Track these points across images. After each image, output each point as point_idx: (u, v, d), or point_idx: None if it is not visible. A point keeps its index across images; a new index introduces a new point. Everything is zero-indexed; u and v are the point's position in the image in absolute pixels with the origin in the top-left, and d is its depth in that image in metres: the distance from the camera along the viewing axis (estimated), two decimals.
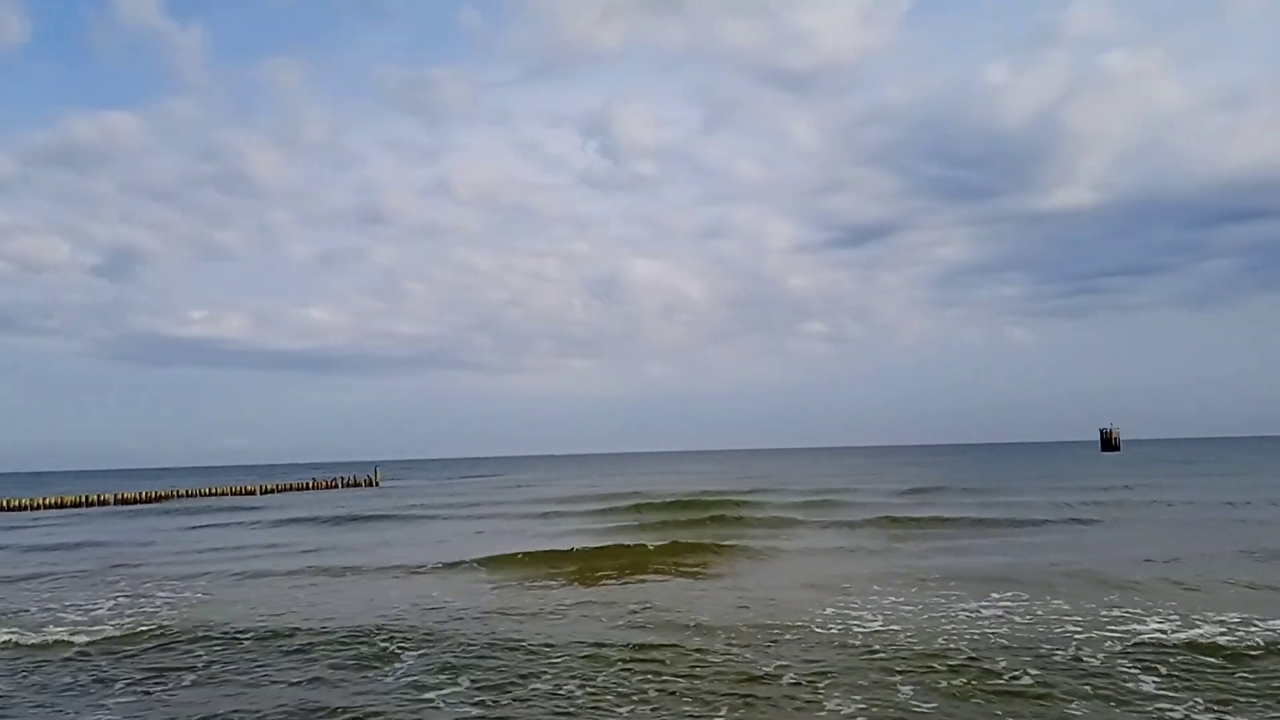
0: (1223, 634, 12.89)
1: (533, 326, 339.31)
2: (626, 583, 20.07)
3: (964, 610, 15.38)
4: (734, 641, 13.55)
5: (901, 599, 16.62)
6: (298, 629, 15.29)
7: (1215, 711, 9.72)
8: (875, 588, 17.95)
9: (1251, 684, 10.65)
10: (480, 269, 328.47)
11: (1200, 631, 13.13)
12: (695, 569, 21.72)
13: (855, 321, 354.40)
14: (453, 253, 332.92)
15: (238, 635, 14.94)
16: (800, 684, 11.17)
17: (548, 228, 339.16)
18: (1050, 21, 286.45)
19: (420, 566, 23.38)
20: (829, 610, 15.63)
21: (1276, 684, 10.59)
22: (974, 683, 11.03)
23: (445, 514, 44.81)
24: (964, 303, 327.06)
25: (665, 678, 11.64)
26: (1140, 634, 13.13)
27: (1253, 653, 11.91)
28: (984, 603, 15.96)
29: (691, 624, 14.92)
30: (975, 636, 13.35)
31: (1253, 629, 13.15)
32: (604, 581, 20.34)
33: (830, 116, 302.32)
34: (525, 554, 24.59)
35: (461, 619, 16.02)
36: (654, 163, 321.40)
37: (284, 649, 13.95)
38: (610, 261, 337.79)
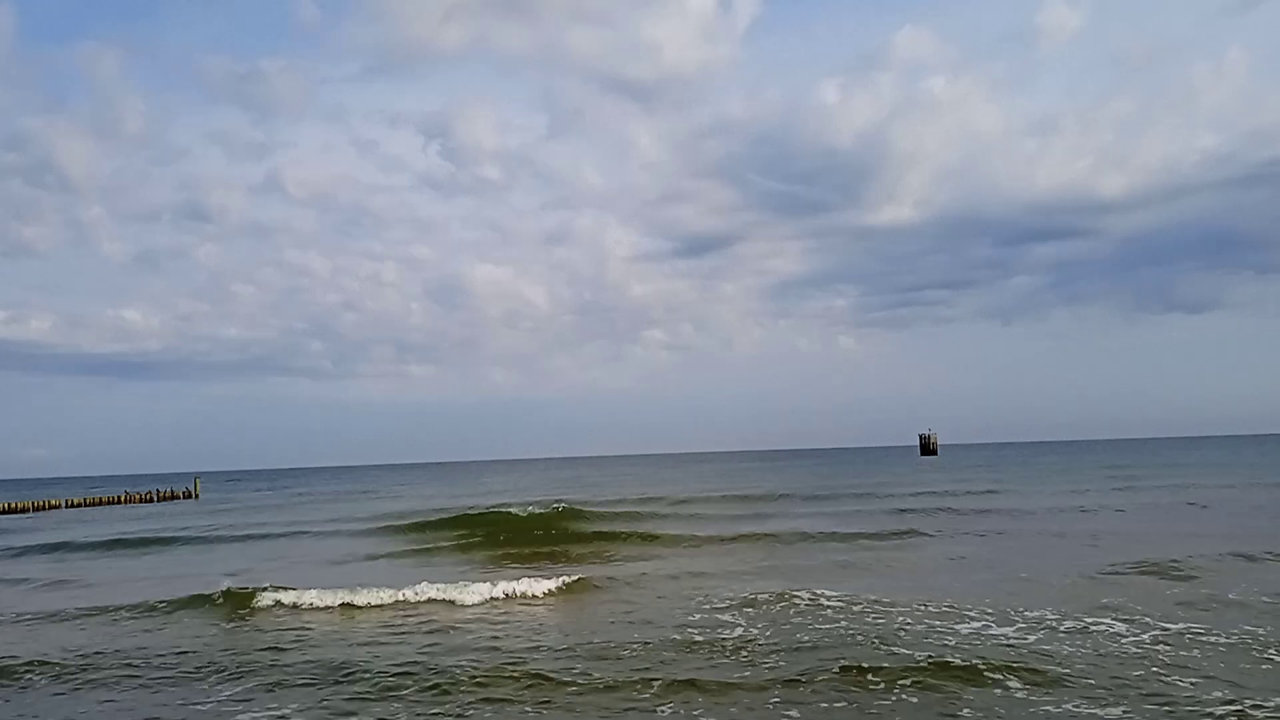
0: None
1: (369, 331, 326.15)
2: (405, 617, 18.13)
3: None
4: None
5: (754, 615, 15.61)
6: None
7: None
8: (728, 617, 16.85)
9: None
10: (314, 271, 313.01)
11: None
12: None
13: (695, 330, 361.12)
14: (284, 254, 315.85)
15: None
16: None
17: (386, 230, 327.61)
18: (879, 46, 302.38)
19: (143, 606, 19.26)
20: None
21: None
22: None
23: (250, 531, 40.84)
24: (797, 313, 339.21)
25: None
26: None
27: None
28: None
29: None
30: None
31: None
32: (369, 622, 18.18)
33: (673, 128, 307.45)
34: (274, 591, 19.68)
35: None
36: (497, 167, 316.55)
37: None
38: (451, 266, 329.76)
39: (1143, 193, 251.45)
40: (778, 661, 12.27)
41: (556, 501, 40.24)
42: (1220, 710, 9.55)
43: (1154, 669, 11.26)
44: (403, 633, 15.45)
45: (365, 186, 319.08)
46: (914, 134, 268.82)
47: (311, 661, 13.46)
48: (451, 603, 18.20)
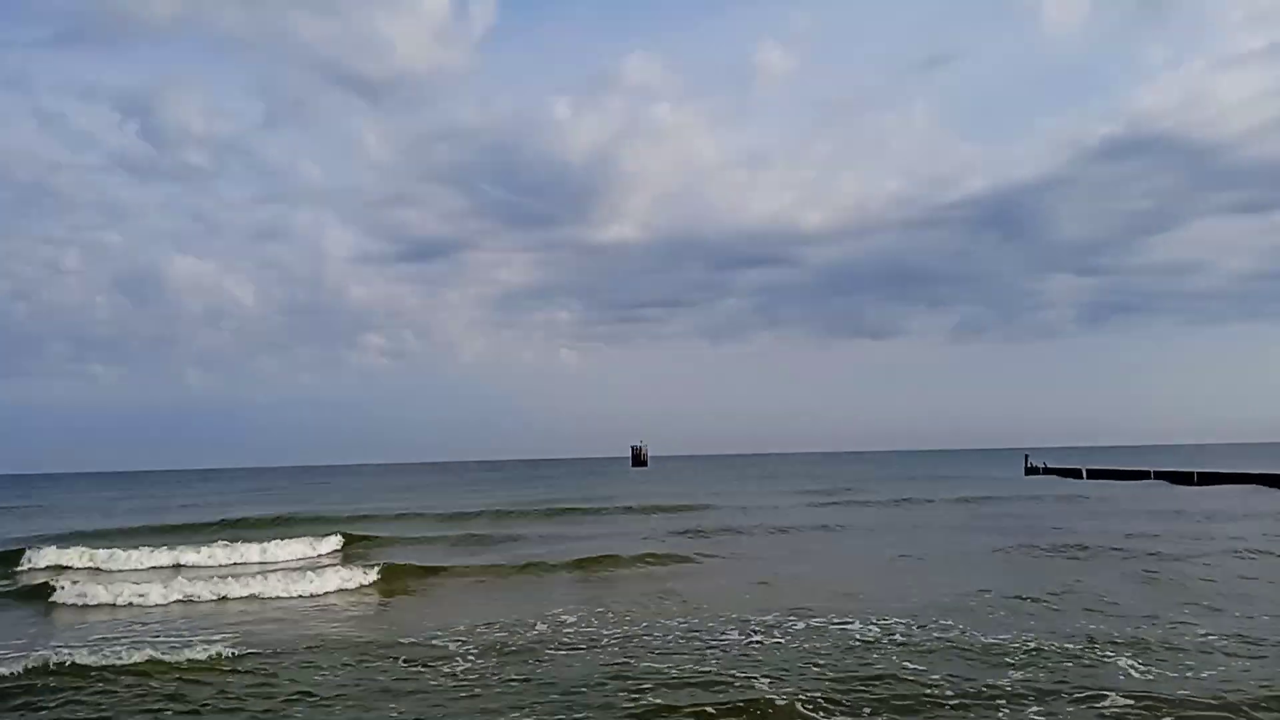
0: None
1: (43, 325, 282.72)
2: None
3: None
4: None
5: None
6: None
7: None
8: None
9: None
10: None
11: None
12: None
13: (417, 337, 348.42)
14: None
15: None
16: None
17: (71, 213, 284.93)
18: (610, 69, 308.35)
19: None
20: None
21: None
22: None
23: None
24: (521, 324, 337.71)
25: None
26: None
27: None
28: None
29: None
30: None
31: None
32: None
33: (401, 129, 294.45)
34: None
35: None
36: (205, 153, 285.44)
37: None
38: (147, 256, 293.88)
39: (838, 228, 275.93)
40: None
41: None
42: None
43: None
44: None
45: (47, 163, 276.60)
46: (639, 157, 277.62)
47: None
48: None
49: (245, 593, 18.72)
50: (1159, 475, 67.39)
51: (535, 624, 14.37)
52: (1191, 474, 64.07)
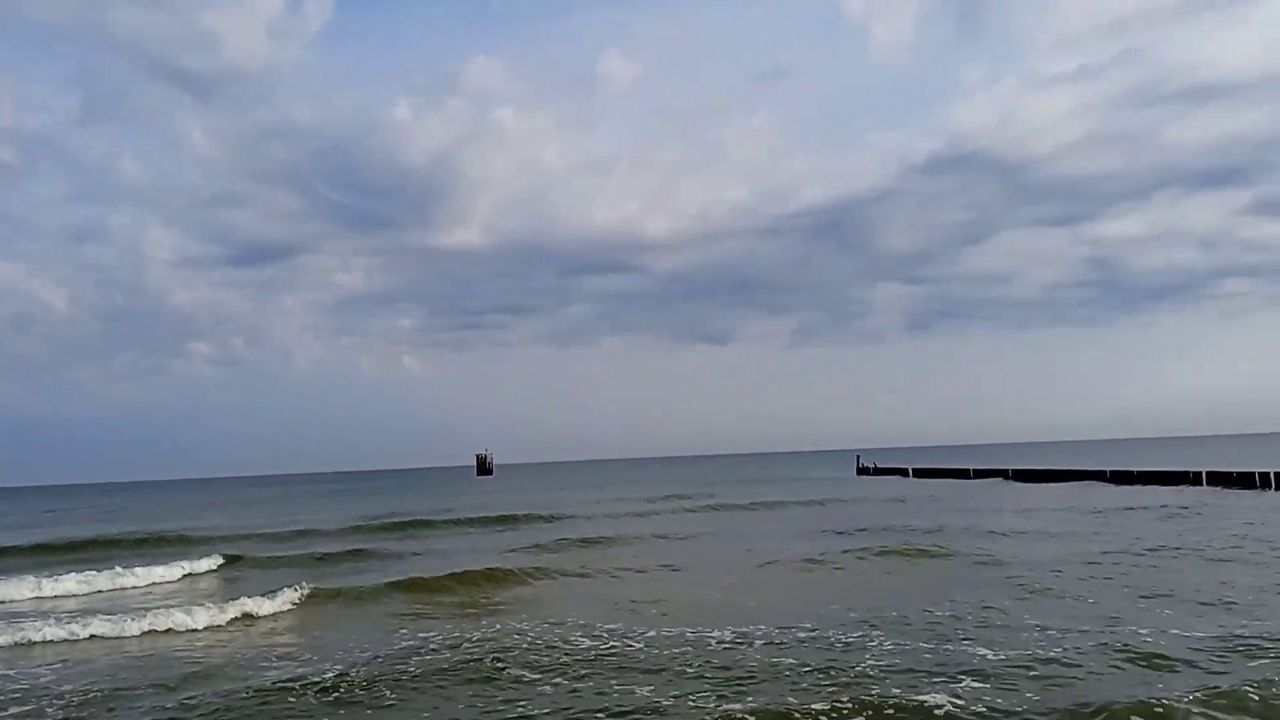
0: None
1: None
2: None
3: None
4: None
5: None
6: None
7: None
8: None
9: None
10: None
11: None
12: None
13: (248, 344, 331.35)
14: None
15: None
16: None
17: None
18: (453, 71, 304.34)
19: None
20: None
21: None
22: None
23: None
24: (361, 330, 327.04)
25: None
26: None
27: None
28: None
29: None
30: None
31: None
32: None
33: (231, 126, 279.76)
34: None
35: None
36: (12, 148, 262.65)
37: None
38: None
39: (682, 235, 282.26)
40: None
41: None
42: None
43: None
44: None
45: None
46: (484, 161, 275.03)
47: None
48: None
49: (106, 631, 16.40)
50: (977, 474, 72.31)
51: (375, 654, 13.71)
52: (1006, 470, 69.44)
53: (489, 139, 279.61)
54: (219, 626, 16.49)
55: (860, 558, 22.14)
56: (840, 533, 28.92)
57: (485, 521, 39.84)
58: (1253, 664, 10.75)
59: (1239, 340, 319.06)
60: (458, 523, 39.96)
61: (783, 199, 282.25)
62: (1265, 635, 12.04)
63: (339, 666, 12.53)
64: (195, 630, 16.20)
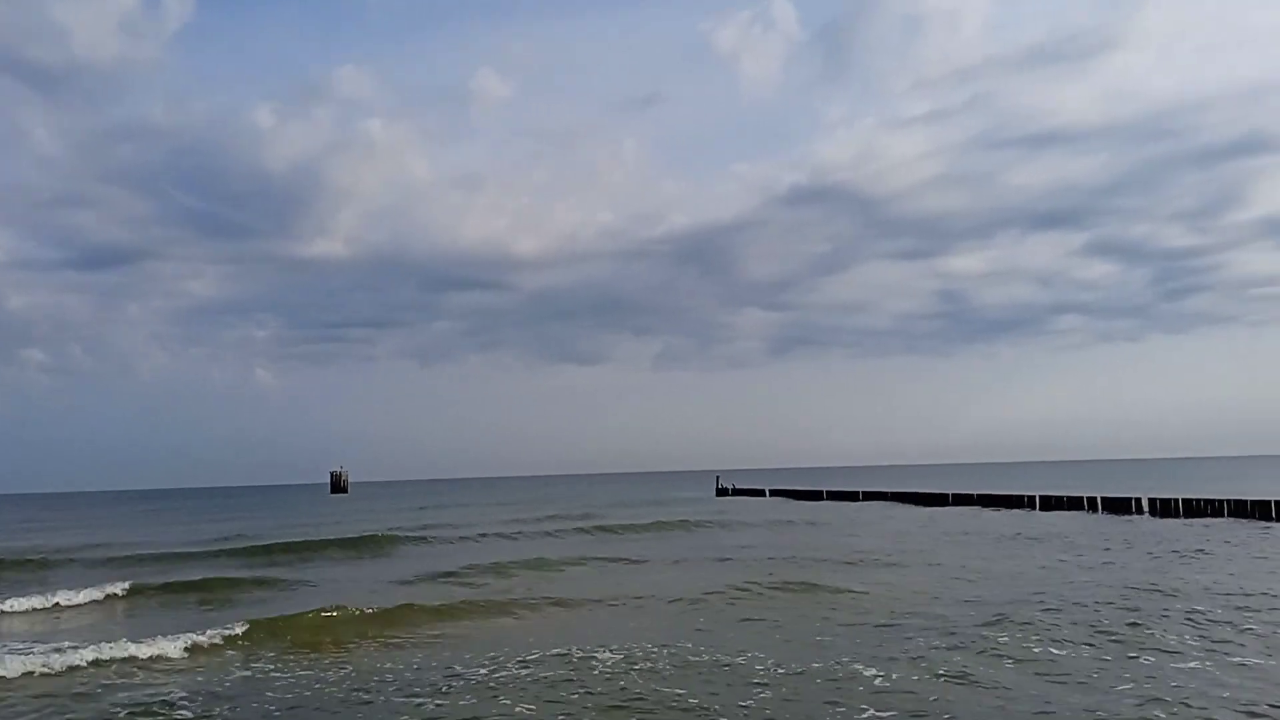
0: None
1: None
2: None
3: None
4: None
5: None
6: None
7: None
8: None
9: None
10: None
11: None
12: None
13: (87, 353, 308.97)
14: None
15: None
16: None
17: None
18: (319, 78, 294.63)
19: None
20: None
21: None
22: None
23: None
24: (212, 341, 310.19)
25: None
26: None
27: None
28: None
29: None
30: None
31: None
32: None
33: (78, 124, 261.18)
34: None
35: None
36: None
37: None
38: None
39: (551, 255, 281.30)
40: None
41: None
42: None
43: None
44: None
45: None
46: (349, 171, 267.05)
47: None
48: None
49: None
50: (831, 495, 74.88)
51: None
52: (857, 493, 72.28)
53: (356, 149, 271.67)
54: None
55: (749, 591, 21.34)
56: (722, 559, 28.41)
57: (341, 545, 37.20)
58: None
59: (1071, 374, 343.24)
60: (309, 546, 37.17)
61: (650, 223, 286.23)
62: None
63: None
64: None
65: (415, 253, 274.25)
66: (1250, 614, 15.91)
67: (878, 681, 11.96)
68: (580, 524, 47.14)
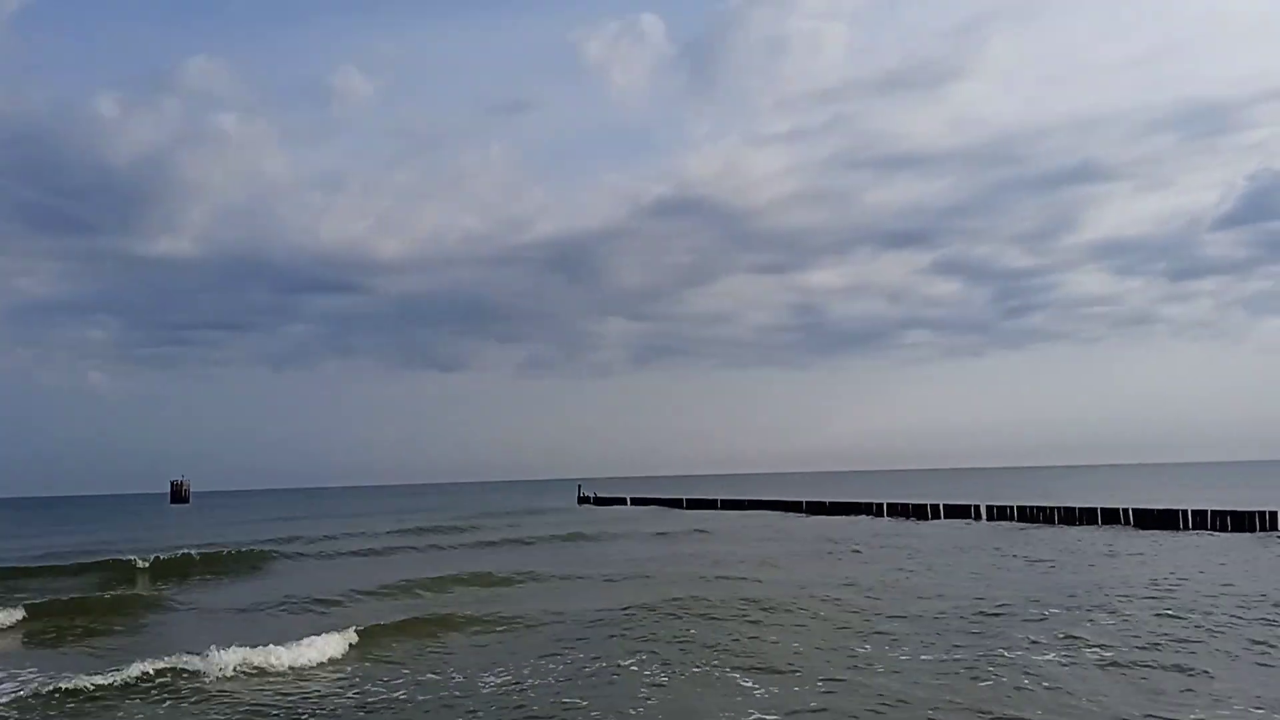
0: None
1: None
2: None
3: None
4: None
5: None
6: None
7: None
8: None
9: None
10: None
11: None
12: None
13: None
14: None
15: None
16: None
17: None
18: (168, 69, 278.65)
19: None
20: None
21: None
22: None
23: None
24: (44, 342, 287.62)
25: None
26: None
27: None
28: None
29: None
30: None
31: None
32: None
33: None
34: None
35: None
36: None
37: None
38: None
39: (413, 259, 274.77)
40: None
41: None
42: None
43: None
44: None
45: None
46: (200, 166, 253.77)
47: None
48: None
49: None
50: (690, 503, 76.34)
51: None
52: (715, 501, 74.04)
53: (207, 144, 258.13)
54: None
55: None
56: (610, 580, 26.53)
57: (174, 565, 32.75)
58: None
59: (919, 386, 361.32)
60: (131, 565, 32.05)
61: (518, 229, 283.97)
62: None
63: None
64: None
65: (271, 253, 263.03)
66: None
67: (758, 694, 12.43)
68: (462, 538, 45.21)
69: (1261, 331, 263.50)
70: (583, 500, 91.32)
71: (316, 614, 21.03)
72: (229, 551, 36.26)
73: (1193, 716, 10.70)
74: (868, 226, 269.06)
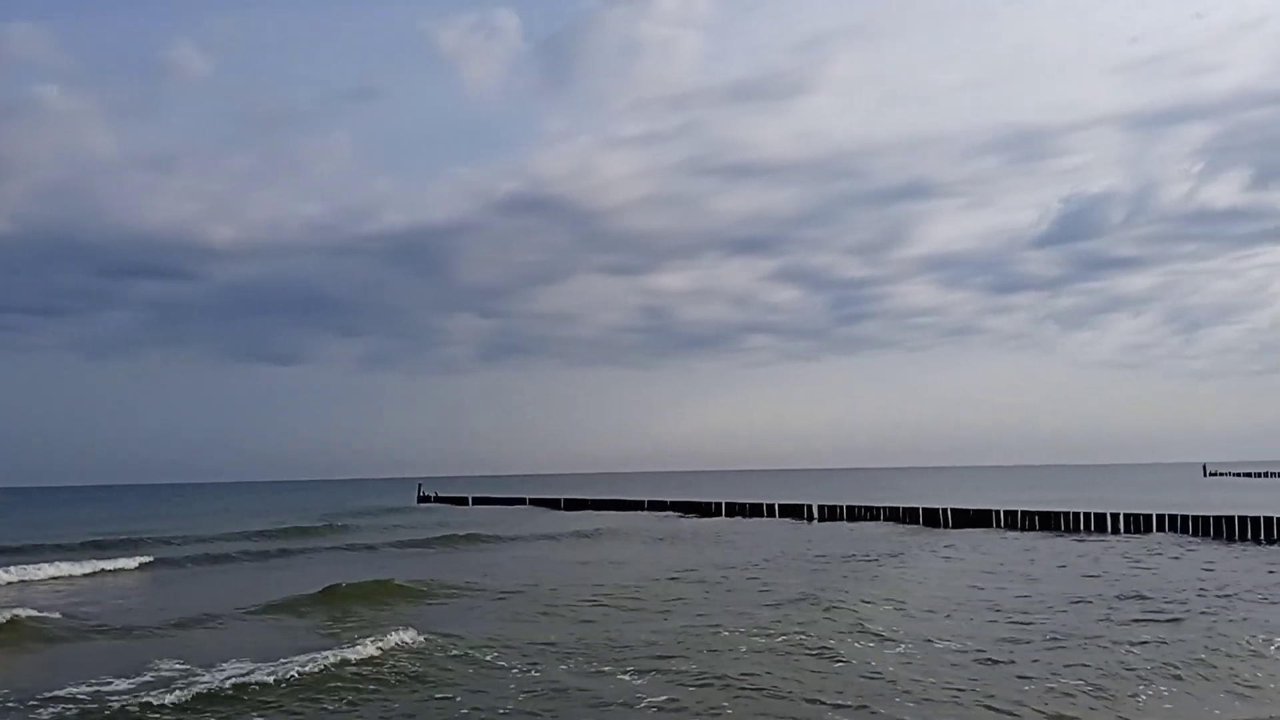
0: None
1: None
2: None
3: None
4: None
5: None
6: None
7: None
8: None
9: None
10: None
11: None
12: None
13: None
14: None
15: None
16: None
17: None
18: None
19: None
20: None
21: None
22: None
23: None
24: None
25: None
26: None
27: None
28: None
29: None
30: None
31: None
32: None
33: None
34: None
35: None
36: None
37: None
38: None
39: (248, 246, 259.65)
40: None
41: None
42: None
43: None
44: None
45: None
46: (13, 140, 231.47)
47: None
48: None
49: None
50: (534, 502, 76.03)
51: None
52: (559, 500, 73.95)
53: (22, 115, 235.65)
54: None
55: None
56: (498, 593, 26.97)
57: None
58: None
59: (760, 389, 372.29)
60: None
61: (362, 219, 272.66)
62: None
63: None
64: None
65: (90, 234, 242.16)
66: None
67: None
68: (330, 542, 41.50)
69: (1069, 344, 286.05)
70: (423, 499, 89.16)
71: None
72: None
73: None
74: (715, 232, 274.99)
